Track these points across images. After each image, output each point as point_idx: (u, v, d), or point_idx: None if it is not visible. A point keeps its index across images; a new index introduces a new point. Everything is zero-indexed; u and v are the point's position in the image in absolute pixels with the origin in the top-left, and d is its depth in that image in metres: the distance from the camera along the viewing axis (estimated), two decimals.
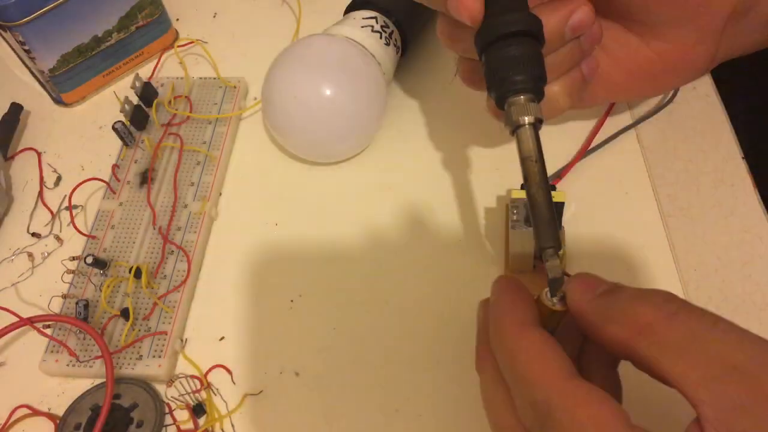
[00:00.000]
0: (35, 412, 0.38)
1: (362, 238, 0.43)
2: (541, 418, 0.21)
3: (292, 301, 0.41)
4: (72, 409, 0.37)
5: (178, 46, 0.54)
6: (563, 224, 0.40)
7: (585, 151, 0.44)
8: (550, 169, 0.43)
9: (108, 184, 0.45)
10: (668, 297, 0.21)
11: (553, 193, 0.39)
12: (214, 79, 0.50)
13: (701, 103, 0.47)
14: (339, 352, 0.39)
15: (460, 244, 0.42)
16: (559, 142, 0.45)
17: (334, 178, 0.46)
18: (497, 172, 0.45)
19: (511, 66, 0.29)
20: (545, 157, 0.46)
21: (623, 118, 0.46)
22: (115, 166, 0.46)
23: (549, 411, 0.21)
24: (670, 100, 0.47)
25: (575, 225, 0.41)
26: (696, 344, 0.20)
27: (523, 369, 0.22)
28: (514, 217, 0.37)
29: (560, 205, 0.39)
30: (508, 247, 0.40)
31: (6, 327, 0.38)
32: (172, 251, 0.42)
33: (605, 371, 0.26)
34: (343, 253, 0.42)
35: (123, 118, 0.46)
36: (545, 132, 0.46)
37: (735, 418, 0.18)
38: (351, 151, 0.46)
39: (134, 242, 0.43)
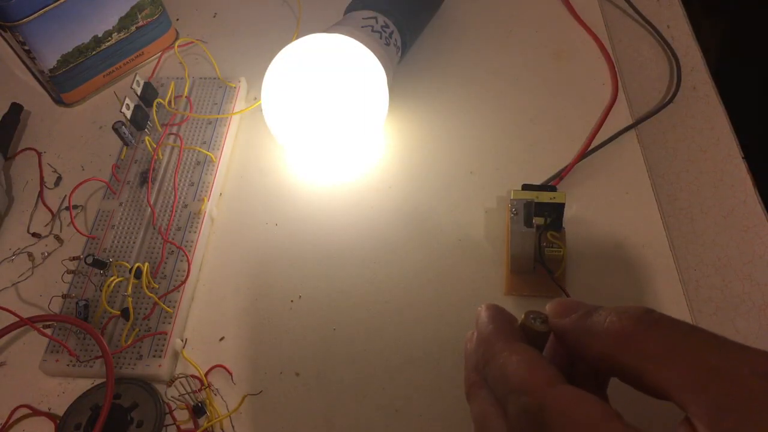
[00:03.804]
0: (35, 412, 0.38)
1: (362, 238, 0.43)
2: (535, 424, 0.21)
3: (291, 301, 0.41)
4: (72, 409, 0.37)
5: (178, 46, 0.54)
6: (563, 224, 0.40)
7: (585, 151, 0.44)
8: (551, 170, 0.44)
9: (108, 184, 0.45)
10: (646, 310, 0.22)
11: (553, 193, 0.39)
12: (214, 79, 0.50)
13: (701, 103, 0.47)
14: (339, 353, 0.39)
15: (460, 244, 0.42)
16: (559, 142, 0.45)
17: (334, 178, 0.46)
18: (497, 172, 0.45)
19: None
20: (546, 156, 0.46)
21: (623, 118, 0.46)
22: (115, 166, 0.46)
23: (542, 414, 0.21)
24: (670, 101, 0.47)
25: (575, 225, 0.41)
26: (677, 350, 0.21)
27: (514, 378, 0.23)
28: (514, 218, 0.37)
29: (560, 206, 0.39)
30: (509, 247, 0.40)
31: (6, 327, 0.38)
32: (172, 251, 0.42)
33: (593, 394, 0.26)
34: (343, 253, 0.42)
35: (123, 118, 0.46)
36: (545, 131, 0.46)
37: (722, 413, 0.19)
38: (351, 151, 0.46)
39: (134, 242, 0.43)
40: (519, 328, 0.26)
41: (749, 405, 0.19)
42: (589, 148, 0.44)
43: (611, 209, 0.42)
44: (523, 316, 0.26)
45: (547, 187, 0.41)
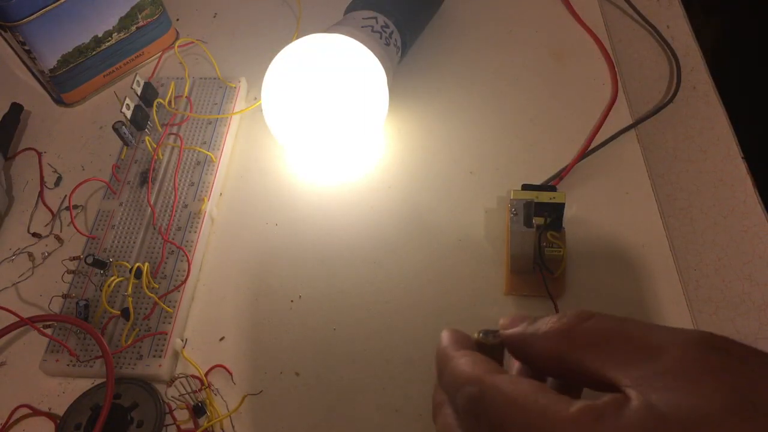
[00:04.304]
0: (35, 412, 0.38)
1: (362, 238, 0.43)
2: (479, 408, 0.23)
3: (292, 301, 0.41)
4: (72, 409, 0.37)
5: (178, 46, 0.54)
6: (563, 224, 0.40)
7: (585, 152, 0.44)
8: (551, 170, 0.44)
9: (108, 184, 0.45)
10: (583, 309, 0.25)
11: (553, 193, 0.39)
12: (214, 79, 0.50)
13: (701, 103, 0.47)
14: (339, 353, 0.39)
15: (460, 244, 0.42)
16: (559, 142, 0.45)
17: (334, 178, 0.46)
18: (497, 172, 0.45)
19: None
20: (546, 156, 0.46)
21: (623, 118, 0.46)
22: (115, 166, 0.46)
23: (483, 399, 0.23)
24: (670, 101, 0.47)
25: (576, 225, 0.41)
26: (613, 336, 0.23)
27: (461, 376, 0.25)
28: (514, 218, 0.37)
29: (560, 206, 0.39)
30: (509, 247, 0.40)
31: (6, 327, 0.38)
32: (172, 251, 0.42)
33: None
34: (343, 253, 0.42)
35: (123, 118, 0.46)
36: (545, 131, 0.46)
37: (654, 379, 0.21)
38: (351, 151, 0.46)
39: (134, 242, 0.43)
40: (474, 344, 0.27)
41: (681, 367, 0.20)
42: (589, 148, 0.44)
43: (611, 209, 0.42)
44: (476, 334, 0.28)
45: (547, 187, 0.41)
